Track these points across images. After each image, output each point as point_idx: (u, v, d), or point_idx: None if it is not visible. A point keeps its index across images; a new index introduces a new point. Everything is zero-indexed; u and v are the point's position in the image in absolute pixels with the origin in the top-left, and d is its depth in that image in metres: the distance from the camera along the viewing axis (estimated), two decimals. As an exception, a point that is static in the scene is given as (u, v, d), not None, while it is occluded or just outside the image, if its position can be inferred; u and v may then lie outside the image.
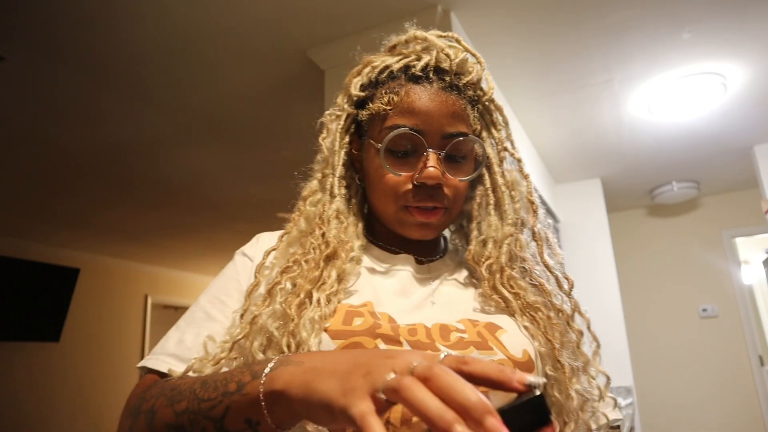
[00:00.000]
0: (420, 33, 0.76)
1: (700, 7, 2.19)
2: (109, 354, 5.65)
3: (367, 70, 0.76)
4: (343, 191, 0.77)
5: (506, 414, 0.36)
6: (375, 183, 0.74)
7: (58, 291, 5.11)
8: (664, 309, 4.69)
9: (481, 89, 0.76)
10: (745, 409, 4.28)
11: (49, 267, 5.03)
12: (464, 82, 0.73)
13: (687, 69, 2.65)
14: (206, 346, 0.66)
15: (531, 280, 0.73)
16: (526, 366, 0.65)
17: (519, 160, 0.78)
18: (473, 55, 0.76)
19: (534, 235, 0.75)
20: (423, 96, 0.70)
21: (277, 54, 2.37)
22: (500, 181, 0.77)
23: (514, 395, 0.38)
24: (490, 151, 0.77)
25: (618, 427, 0.80)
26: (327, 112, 0.79)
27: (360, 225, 0.78)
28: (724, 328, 4.49)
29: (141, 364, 0.68)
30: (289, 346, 0.62)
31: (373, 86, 0.75)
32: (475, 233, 0.77)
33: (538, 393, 0.37)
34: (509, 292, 0.71)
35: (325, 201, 0.75)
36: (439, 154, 0.70)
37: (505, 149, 0.78)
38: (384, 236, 0.79)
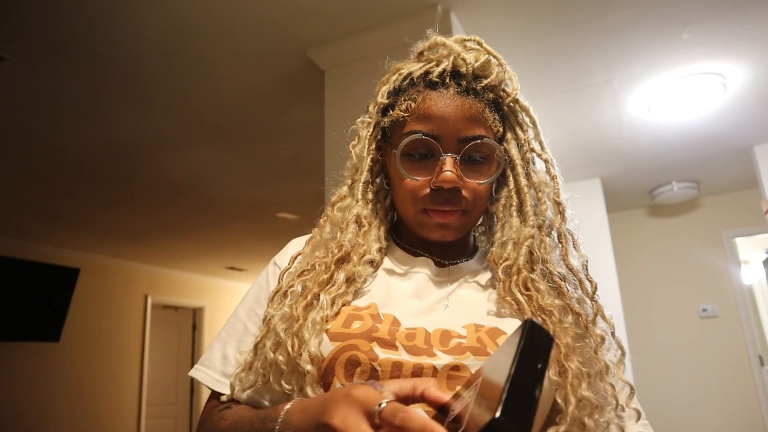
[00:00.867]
0: (440, 38, 0.77)
1: (700, 7, 2.19)
2: (109, 354, 5.65)
3: (394, 77, 0.78)
4: (370, 196, 0.80)
5: None
6: (396, 187, 0.76)
7: (58, 291, 5.11)
8: (664, 309, 4.69)
9: (504, 91, 0.76)
10: (745, 409, 4.28)
11: (49, 267, 5.03)
12: (483, 85, 0.73)
13: (687, 69, 2.65)
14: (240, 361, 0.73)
15: (551, 282, 0.72)
16: None
17: (546, 161, 0.78)
18: (494, 56, 0.76)
19: (559, 237, 0.75)
20: (439, 101, 0.72)
21: (277, 54, 2.37)
22: (523, 182, 0.76)
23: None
24: (515, 153, 0.77)
25: None
26: (359, 119, 0.82)
27: (383, 228, 0.80)
28: (724, 328, 4.48)
29: (192, 374, 0.77)
30: (293, 347, 0.64)
31: (396, 93, 0.77)
32: (498, 235, 0.77)
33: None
34: (523, 294, 0.70)
35: (350, 206, 0.78)
36: (456, 158, 0.71)
37: (532, 150, 0.78)
38: (408, 238, 0.81)
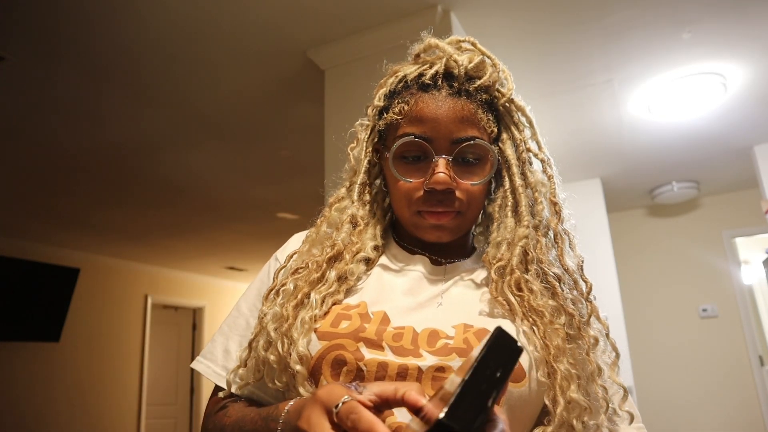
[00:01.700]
0: (434, 40, 0.78)
1: (700, 7, 2.19)
2: (109, 354, 5.65)
3: (390, 80, 0.78)
4: (367, 198, 0.81)
5: None
6: (391, 189, 0.77)
7: (58, 291, 5.10)
8: (664, 309, 4.69)
9: (498, 91, 0.77)
10: (745, 409, 4.28)
11: (49, 267, 5.03)
12: (476, 86, 0.74)
13: (687, 69, 2.65)
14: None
15: (546, 282, 0.71)
16: (515, 375, 0.63)
17: (543, 161, 0.78)
18: (488, 57, 0.76)
19: (555, 237, 0.75)
20: (431, 104, 0.72)
21: (277, 54, 2.37)
22: (519, 182, 0.76)
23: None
24: (510, 153, 0.77)
25: None
26: (357, 122, 0.83)
27: (380, 227, 0.80)
28: (724, 328, 4.48)
29: (194, 366, 0.78)
30: (282, 346, 0.66)
31: (391, 96, 0.77)
32: (494, 235, 0.77)
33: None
34: (514, 295, 0.70)
35: (347, 207, 0.79)
36: (448, 160, 0.71)
37: (528, 150, 0.78)
38: (407, 238, 0.81)
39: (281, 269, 0.76)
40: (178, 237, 5.22)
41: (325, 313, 0.69)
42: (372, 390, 0.49)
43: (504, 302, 0.70)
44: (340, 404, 0.47)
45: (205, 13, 2.09)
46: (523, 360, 0.65)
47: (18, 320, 4.78)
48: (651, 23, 2.29)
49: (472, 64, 0.74)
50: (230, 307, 0.83)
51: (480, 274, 0.78)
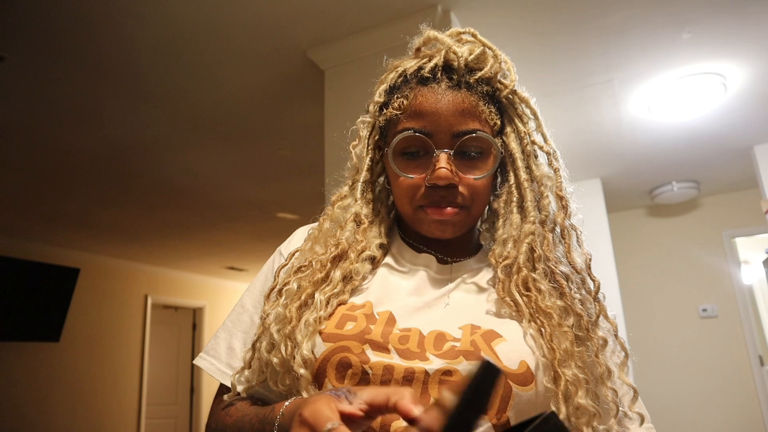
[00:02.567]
0: (433, 33, 0.76)
1: (700, 7, 2.19)
2: (109, 354, 5.65)
3: (390, 75, 0.76)
4: (370, 195, 0.79)
5: None
6: (393, 186, 0.75)
7: (58, 291, 5.10)
8: (664, 309, 4.69)
9: (500, 82, 0.74)
10: (745, 409, 4.28)
11: (49, 267, 5.03)
12: (477, 77, 0.72)
13: (687, 69, 2.65)
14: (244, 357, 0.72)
15: (553, 281, 0.69)
16: (523, 378, 0.62)
17: (548, 153, 0.76)
18: (490, 48, 0.74)
19: (562, 232, 0.72)
20: (430, 97, 0.70)
21: (277, 54, 2.37)
22: (524, 176, 0.74)
23: None
24: (515, 146, 0.75)
25: None
26: (359, 119, 0.81)
27: (384, 225, 0.79)
28: (724, 328, 4.48)
29: (197, 362, 0.76)
30: (286, 349, 0.64)
31: (392, 91, 0.75)
32: (500, 232, 0.74)
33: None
34: (522, 295, 0.68)
35: (350, 205, 0.77)
36: (450, 154, 0.69)
37: (533, 142, 0.75)
38: (412, 235, 0.79)
39: (283, 267, 0.74)
40: (178, 237, 5.22)
41: (330, 314, 0.67)
42: (362, 398, 0.48)
43: (511, 302, 0.68)
44: (329, 428, 0.45)
45: (205, 13, 2.09)
46: (531, 363, 0.64)
47: (18, 320, 4.78)
48: (651, 23, 2.29)
49: (472, 56, 0.72)
50: (230, 307, 0.82)
51: (486, 273, 0.76)
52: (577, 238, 0.73)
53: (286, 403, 0.59)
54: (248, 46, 2.31)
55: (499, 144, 0.73)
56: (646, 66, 2.61)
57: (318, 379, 0.64)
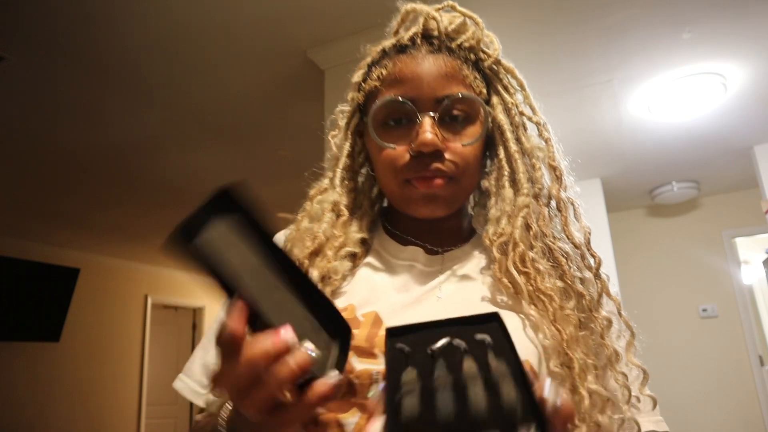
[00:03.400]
0: (410, 5, 0.72)
1: (700, 7, 2.19)
2: (109, 354, 5.65)
3: (368, 59, 0.73)
4: (350, 184, 0.74)
5: None
6: (376, 163, 0.69)
7: (58, 291, 5.10)
8: (664, 309, 4.69)
9: (484, 52, 0.70)
10: (745, 409, 4.28)
11: (49, 267, 5.03)
12: (458, 43, 0.68)
13: (687, 69, 2.65)
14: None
15: (552, 260, 0.65)
16: None
17: (538, 124, 0.71)
18: (471, 17, 0.71)
19: (558, 205, 0.68)
20: (410, 63, 0.66)
21: (277, 54, 2.37)
22: (514, 148, 0.69)
23: None
24: (502, 118, 0.70)
25: None
26: (337, 109, 0.77)
27: (366, 219, 0.73)
28: (724, 328, 4.48)
29: (174, 385, 0.72)
30: None
31: (370, 69, 0.72)
32: (492, 211, 0.69)
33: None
34: (520, 272, 0.63)
35: (329, 195, 0.73)
36: (434, 118, 0.64)
37: (521, 113, 0.71)
38: (399, 225, 0.73)
39: None
40: (178, 237, 5.21)
41: None
42: None
43: (508, 284, 0.64)
44: None
45: (205, 13, 2.09)
46: (532, 357, 0.60)
47: (18, 320, 4.77)
48: (651, 23, 2.29)
49: (453, 25, 0.69)
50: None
51: (480, 260, 0.71)
52: (575, 211, 0.70)
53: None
54: (248, 46, 2.31)
55: (487, 109, 0.68)
56: (646, 66, 2.61)
57: None
